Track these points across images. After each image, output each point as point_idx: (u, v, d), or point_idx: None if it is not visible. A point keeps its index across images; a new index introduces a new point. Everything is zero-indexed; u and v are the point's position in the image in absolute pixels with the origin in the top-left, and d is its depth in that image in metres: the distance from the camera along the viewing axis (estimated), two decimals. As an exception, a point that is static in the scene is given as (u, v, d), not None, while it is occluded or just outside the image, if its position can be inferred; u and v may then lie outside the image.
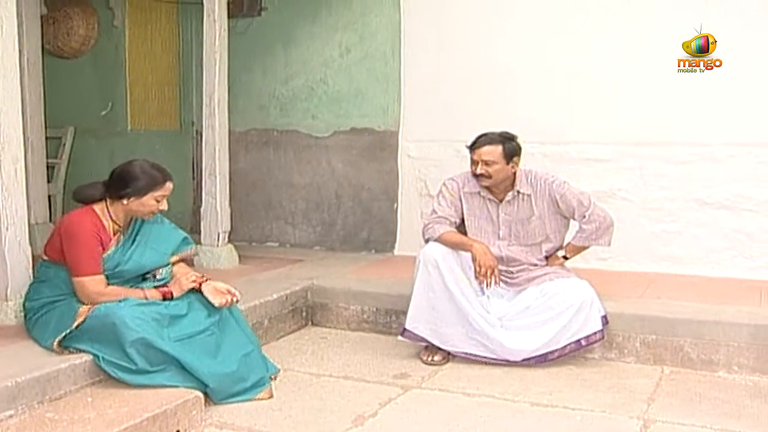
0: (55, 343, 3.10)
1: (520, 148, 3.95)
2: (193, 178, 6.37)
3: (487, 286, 3.86)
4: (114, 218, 3.35)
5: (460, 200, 4.05)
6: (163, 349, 3.08)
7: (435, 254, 3.83)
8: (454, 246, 3.87)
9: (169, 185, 3.38)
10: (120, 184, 3.31)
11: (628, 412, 3.22)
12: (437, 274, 3.82)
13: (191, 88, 6.35)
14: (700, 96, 4.80)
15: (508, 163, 3.89)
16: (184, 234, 3.66)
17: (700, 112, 4.84)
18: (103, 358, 3.05)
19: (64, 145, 6.35)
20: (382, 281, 4.75)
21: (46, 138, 5.59)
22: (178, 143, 6.41)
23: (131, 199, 3.30)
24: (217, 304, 3.37)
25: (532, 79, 5.22)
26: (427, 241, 3.96)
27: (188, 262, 3.71)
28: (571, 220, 4.07)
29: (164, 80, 6.50)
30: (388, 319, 4.43)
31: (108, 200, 3.35)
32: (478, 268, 3.80)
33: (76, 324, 3.10)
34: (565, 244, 4.11)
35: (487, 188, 3.98)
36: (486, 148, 3.88)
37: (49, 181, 5.76)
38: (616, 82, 5.03)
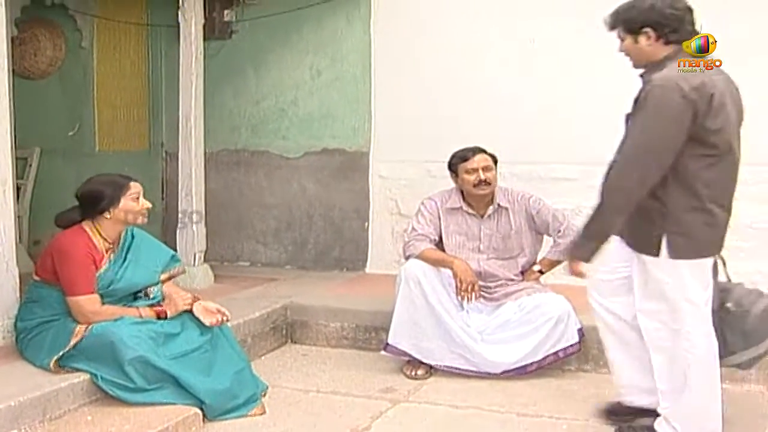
0: (52, 363, 3.12)
1: None
2: (163, 199, 6.37)
3: (468, 301, 3.97)
4: (104, 236, 3.37)
5: (439, 218, 4.16)
6: (160, 367, 3.12)
7: (416, 271, 3.94)
8: (435, 262, 3.99)
9: (135, 184, 3.43)
10: (91, 203, 3.35)
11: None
12: (419, 290, 3.92)
13: (161, 109, 6.36)
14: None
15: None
16: (172, 252, 3.71)
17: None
18: (101, 377, 3.08)
19: (30, 165, 6.30)
20: (360, 298, 4.83)
21: (16, 159, 5.55)
22: (147, 164, 6.38)
23: (111, 210, 3.33)
24: (207, 324, 3.43)
25: (502, 100, 5.33)
26: (407, 258, 4.07)
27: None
28: (545, 236, 4.23)
29: (133, 101, 6.47)
30: (368, 335, 4.49)
31: (92, 220, 3.37)
32: (459, 284, 3.92)
33: (72, 343, 3.13)
34: (539, 259, 4.26)
35: (469, 204, 4.12)
36: (482, 155, 4.06)
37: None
38: (582, 105, 5.18)
